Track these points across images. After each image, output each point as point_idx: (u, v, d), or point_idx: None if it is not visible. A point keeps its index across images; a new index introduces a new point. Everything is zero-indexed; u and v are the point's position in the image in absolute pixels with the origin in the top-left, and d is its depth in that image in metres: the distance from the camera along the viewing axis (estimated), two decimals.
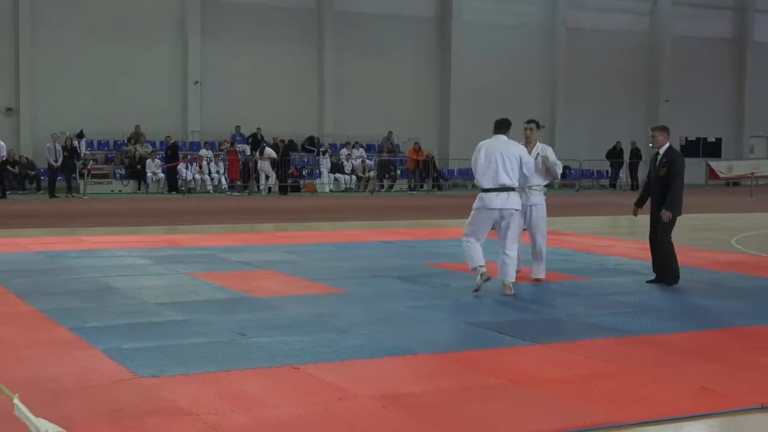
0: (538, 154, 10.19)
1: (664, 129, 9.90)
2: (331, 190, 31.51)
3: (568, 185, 36.82)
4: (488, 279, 9.29)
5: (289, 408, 5.16)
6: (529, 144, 10.21)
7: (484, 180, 9.23)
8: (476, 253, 9.27)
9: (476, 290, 9.29)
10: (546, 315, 8.35)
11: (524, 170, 9.36)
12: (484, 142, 9.42)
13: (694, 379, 5.89)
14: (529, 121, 10.40)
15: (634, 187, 35.75)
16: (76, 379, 5.74)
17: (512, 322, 7.85)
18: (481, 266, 9.27)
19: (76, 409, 5.09)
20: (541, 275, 10.30)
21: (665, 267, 9.89)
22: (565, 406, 5.29)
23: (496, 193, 9.18)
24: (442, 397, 5.42)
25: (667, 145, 9.81)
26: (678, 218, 9.88)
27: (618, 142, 36.16)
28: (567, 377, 5.93)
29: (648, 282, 10.04)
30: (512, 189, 9.25)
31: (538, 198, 10.24)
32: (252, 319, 7.78)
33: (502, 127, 9.40)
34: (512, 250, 9.27)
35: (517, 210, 9.28)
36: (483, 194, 9.27)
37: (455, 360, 6.37)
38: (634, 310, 8.56)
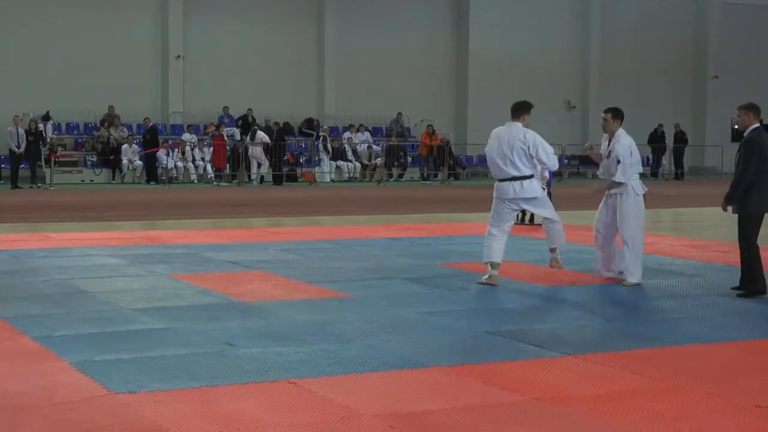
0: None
1: (750, 108, 9.59)
2: (332, 180, 31.54)
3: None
4: (490, 283, 9.91)
5: (285, 429, 5.16)
6: (610, 136, 10.32)
7: (493, 170, 10.13)
8: (493, 248, 10.00)
9: (480, 282, 10.05)
10: (577, 322, 8.34)
11: (536, 156, 9.84)
12: (495, 129, 10.12)
13: (749, 396, 5.88)
14: (606, 111, 10.44)
15: (678, 175, 35.70)
16: (42, 395, 5.75)
17: (539, 331, 7.86)
18: (492, 262, 9.99)
19: (42, 430, 5.11)
20: (621, 277, 10.27)
21: (747, 273, 9.56)
22: (599, 426, 5.29)
23: (508, 182, 9.93)
24: (459, 416, 5.42)
25: (753, 126, 9.51)
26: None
27: (659, 125, 36.10)
28: (602, 394, 5.92)
29: (732, 288, 9.84)
30: (525, 177, 9.90)
31: (622, 187, 10.30)
32: (242, 327, 7.78)
33: (515, 112, 10.03)
34: (554, 215, 10.21)
35: (533, 197, 10.01)
36: (497, 184, 10.06)
37: (474, 373, 6.37)
38: (678, 317, 8.55)
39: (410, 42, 34.87)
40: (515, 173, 9.87)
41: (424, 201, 23.53)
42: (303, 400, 5.69)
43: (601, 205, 10.56)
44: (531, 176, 9.96)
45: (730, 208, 9.62)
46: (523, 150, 9.82)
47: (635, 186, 10.25)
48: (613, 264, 10.54)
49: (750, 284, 9.54)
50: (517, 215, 10.58)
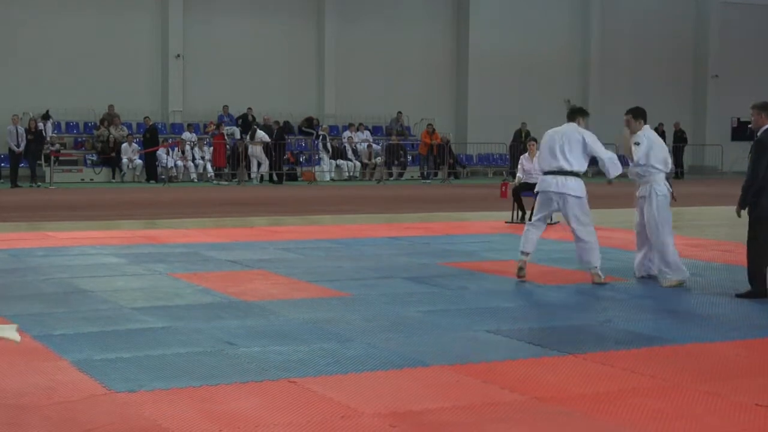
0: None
1: (763, 108, 9.38)
2: (332, 179, 31.55)
3: (602, 173, 36.71)
4: (521, 274, 10.14)
5: (285, 428, 5.16)
6: (633, 135, 10.34)
7: (543, 163, 10.28)
8: (528, 238, 10.23)
9: (518, 275, 10.18)
10: (578, 321, 8.34)
11: (593, 153, 10.06)
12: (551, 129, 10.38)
13: (748, 395, 5.88)
14: (627, 112, 10.55)
15: (678, 174, 35.70)
16: (42, 394, 5.75)
17: (539, 330, 7.86)
18: (524, 252, 10.18)
19: (41, 429, 5.11)
20: (655, 272, 10.35)
21: (749, 272, 9.49)
22: (598, 426, 5.29)
23: (552, 175, 10.06)
24: (459, 415, 5.42)
25: (767, 126, 9.33)
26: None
27: (660, 124, 35.97)
28: (601, 392, 5.92)
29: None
30: (571, 173, 9.99)
31: (646, 189, 10.35)
32: (242, 327, 7.79)
33: (570, 114, 10.38)
34: (584, 233, 10.02)
35: (573, 195, 9.99)
36: (541, 177, 10.25)
37: (473, 372, 6.37)
38: (678, 317, 8.56)
39: (410, 41, 34.87)
40: (565, 166, 9.99)
41: (424, 200, 23.53)
42: (303, 399, 5.69)
43: (636, 208, 10.56)
44: (578, 175, 10.04)
45: (744, 212, 9.53)
46: (579, 144, 10.03)
47: (657, 188, 10.28)
48: (651, 265, 10.52)
49: (752, 285, 9.51)
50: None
